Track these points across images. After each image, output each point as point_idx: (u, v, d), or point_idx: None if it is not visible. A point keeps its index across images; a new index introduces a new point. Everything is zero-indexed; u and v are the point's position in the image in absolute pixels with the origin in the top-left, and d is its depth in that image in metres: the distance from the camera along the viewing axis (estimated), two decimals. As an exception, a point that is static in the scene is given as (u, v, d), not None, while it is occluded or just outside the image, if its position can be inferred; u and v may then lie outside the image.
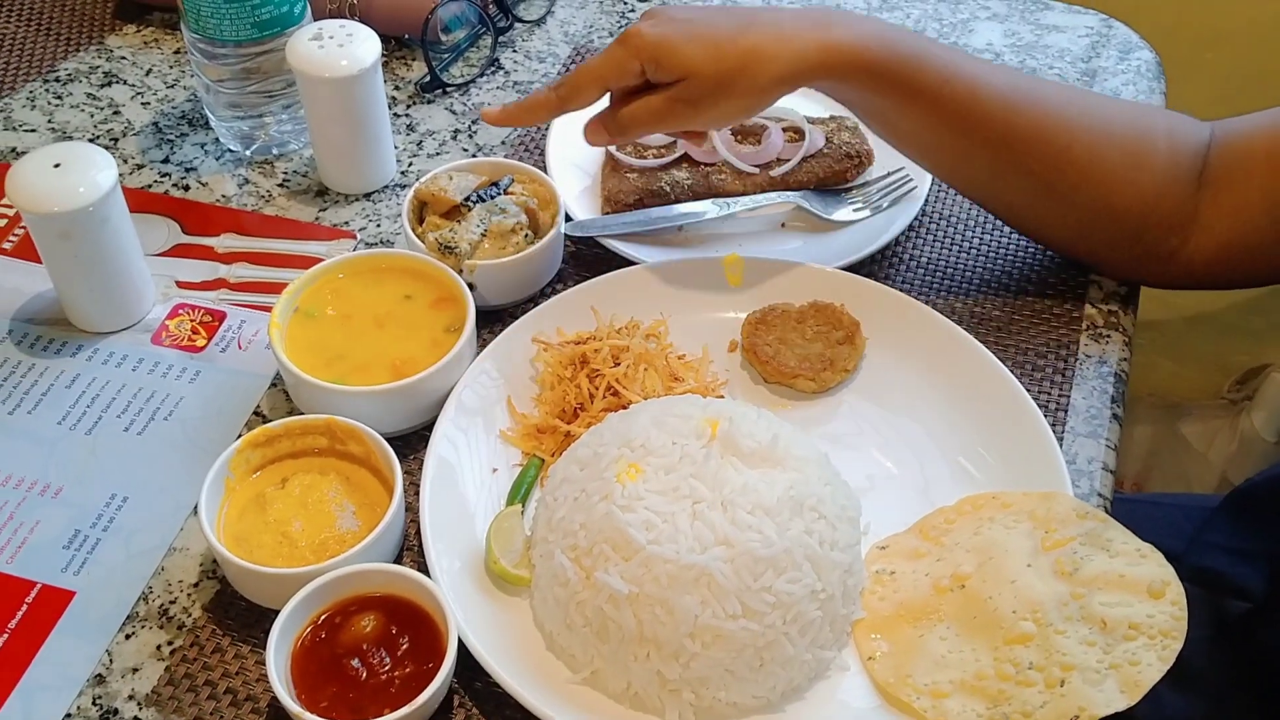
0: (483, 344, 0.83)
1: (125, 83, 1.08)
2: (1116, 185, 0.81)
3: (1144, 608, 0.65)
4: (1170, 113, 0.86)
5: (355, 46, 0.91)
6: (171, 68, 1.09)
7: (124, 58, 1.10)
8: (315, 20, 0.95)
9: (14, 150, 1.01)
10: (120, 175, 0.93)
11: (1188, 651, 0.95)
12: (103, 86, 1.08)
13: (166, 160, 1.01)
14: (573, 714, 0.65)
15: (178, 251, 0.94)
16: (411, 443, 0.80)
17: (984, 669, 0.65)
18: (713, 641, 0.65)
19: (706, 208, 0.93)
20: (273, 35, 0.93)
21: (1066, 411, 0.82)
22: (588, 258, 0.92)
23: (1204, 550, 1.01)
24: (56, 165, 0.81)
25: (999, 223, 0.94)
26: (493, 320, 0.87)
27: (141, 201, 0.97)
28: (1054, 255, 0.92)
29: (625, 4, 1.17)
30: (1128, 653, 0.63)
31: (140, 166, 1.00)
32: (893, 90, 0.79)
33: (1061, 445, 0.79)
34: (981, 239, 0.93)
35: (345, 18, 1.01)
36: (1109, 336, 0.87)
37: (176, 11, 0.94)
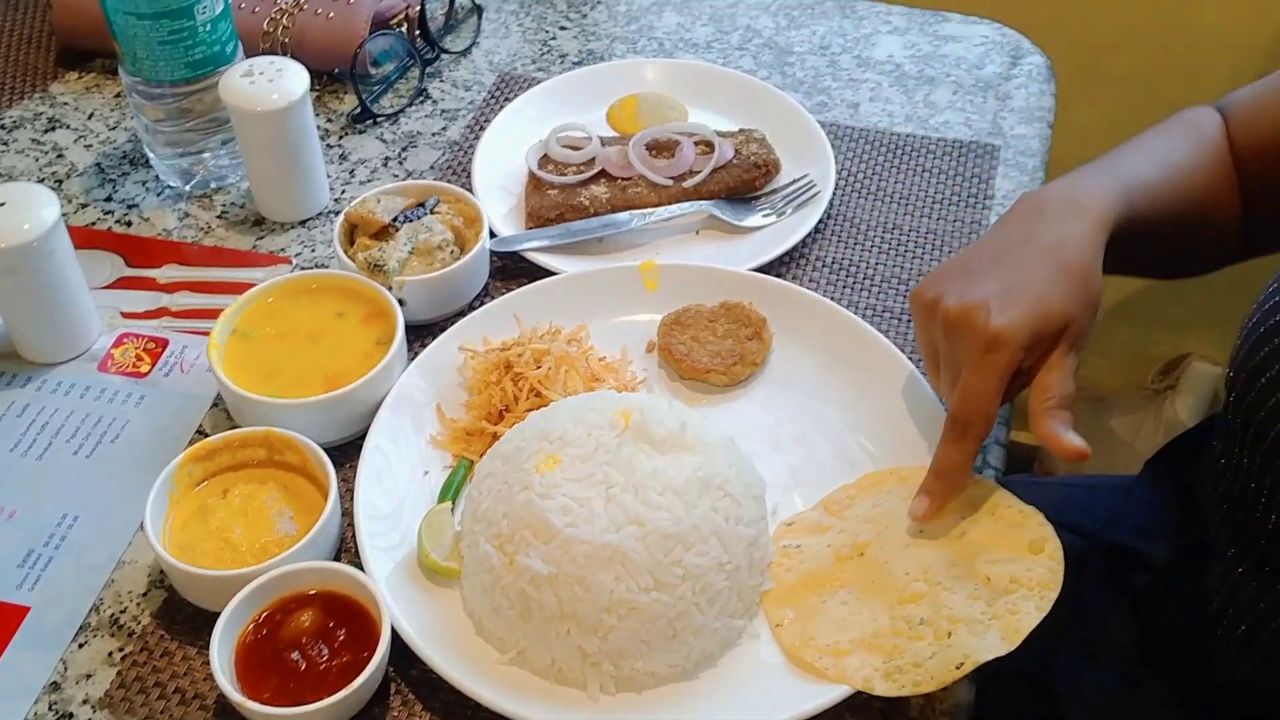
0: (413, 356, 0.88)
1: (68, 127, 1.12)
2: (1223, 206, 0.89)
3: (1024, 564, 0.70)
4: (1200, 112, 0.91)
5: (285, 81, 0.96)
6: (112, 111, 1.14)
7: (66, 103, 1.15)
8: (247, 58, 1.00)
9: (-39, 195, 1.05)
10: (65, 214, 0.97)
11: (1102, 625, 1.00)
12: (47, 131, 1.12)
13: (109, 198, 1.05)
14: (501, 692, 0.70)
15: (122, 284, 0.98)
16: (347, 452, 0.84)
17: (880, 627, 0.70)
18: (628, 614, 0.69)
19: (625, 218, 0.99)
20: (206, 74, 0.98)
21: (963, 393, 0.87)
22: (514, 271, 0.97)
23: (1117, 529, 1.07)
24: (1, 204, 0.85)
25: (899, 222, 0.99)
26: (423, 334, 0.91)
27: (86, 238, 1.01)
28: (947, 251, 0.97)
29: (547, 33, 1.23)
30: (1008, 604, 0.68)
31: (84, 205, 1.05)
32: (1133, 240, 0.82)
33: (957, 424, 0.84)
34: (882, 238, 0.99)
35: (276, 54, 1.06)
36: (1003, 322, 0.92)
37: (116, 57, 0.98)
